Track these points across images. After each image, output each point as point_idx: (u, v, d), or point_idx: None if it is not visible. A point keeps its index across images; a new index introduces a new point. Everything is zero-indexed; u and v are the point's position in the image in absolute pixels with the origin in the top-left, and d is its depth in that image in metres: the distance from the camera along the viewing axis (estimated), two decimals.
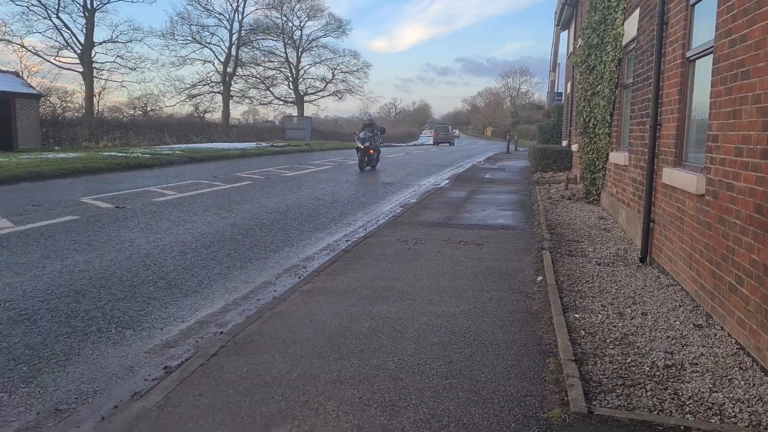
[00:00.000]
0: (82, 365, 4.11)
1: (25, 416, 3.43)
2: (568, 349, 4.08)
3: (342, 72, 66.30)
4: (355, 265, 6.64)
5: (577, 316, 4.95)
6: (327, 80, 66.54)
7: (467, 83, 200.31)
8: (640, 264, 6.81)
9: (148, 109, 51.64)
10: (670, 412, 3.31)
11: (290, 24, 62.82)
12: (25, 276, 6.12)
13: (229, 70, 58.04)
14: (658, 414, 3.28)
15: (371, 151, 20.87)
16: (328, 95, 67.65)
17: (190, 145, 31.68)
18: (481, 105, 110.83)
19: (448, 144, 57.73)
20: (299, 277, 6.36)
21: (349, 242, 8.18)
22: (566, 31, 24.88)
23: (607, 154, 10.73)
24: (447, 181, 17.36)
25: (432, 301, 5.31)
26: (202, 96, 58.42)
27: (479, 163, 27.26)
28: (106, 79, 45.58)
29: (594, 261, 6.94)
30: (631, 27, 8.77)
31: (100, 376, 3.97)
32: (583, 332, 4.56)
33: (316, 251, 7.79)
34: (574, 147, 16.14)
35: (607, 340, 4.40)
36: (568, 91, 20.54)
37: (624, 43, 9.45)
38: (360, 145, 20.67)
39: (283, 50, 63.24)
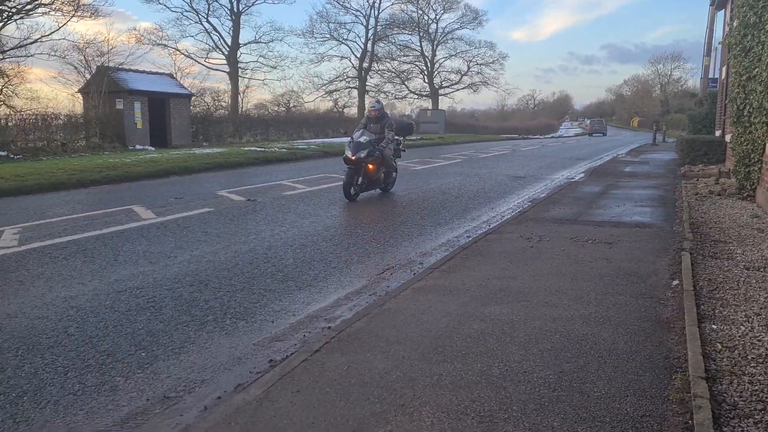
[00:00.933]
0: (194, 354, 4.24)
1: (136, 401, 3.58)
2: (699, 364, 3.62)
3: (477, 64, 65.38)
4: (471, 262, 6.41)
5: (714, 327, 4.41)
6: (462, 73, 65.95)
7: (613, 71, 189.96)
8: None
9: (291, 105, 53.97)
10: None
11: (426, 17, 62.91)
12: (158, 265, 6.50)
13: (364, 65, 59.23)
14: None
15: (370, 167, 11.48)
16: (463, 88, 67.04)
17: (325, 140, 32.67)
18: (627, 94, 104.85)
19: (601, 134, 63.41)
20: (414, 273, 6.24)
21: (470, 238, 7.94)
22: (722, 11, 22.80)
23: (764, 145, 9.63)
24: (582, 175, 16.52)
25: (549, 303, 4.98)
26: (339, 91, 60.09)
27: (620, 155, 25.74)
28: (250, 78, 48.05)
29: (742, 265, 6.22)
30: None
31: (209, 365, 4.08)
32: (719, 346, 4.05)
33: (434, 247, 7.64)
34: (728, 137, 14.72)
35: (749, 357, 3.87)
36: (723, 76, 18.80)
37: None
38: (350, 155, 11.22)
39: (419, 44, 63.49)
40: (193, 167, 17.33)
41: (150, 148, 25.86)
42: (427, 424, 3.07)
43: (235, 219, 9.29)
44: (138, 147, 25.68)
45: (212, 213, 9.79)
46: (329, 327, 4.68)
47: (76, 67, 31.13)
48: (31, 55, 25.25)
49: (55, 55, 28.97)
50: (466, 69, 65.79)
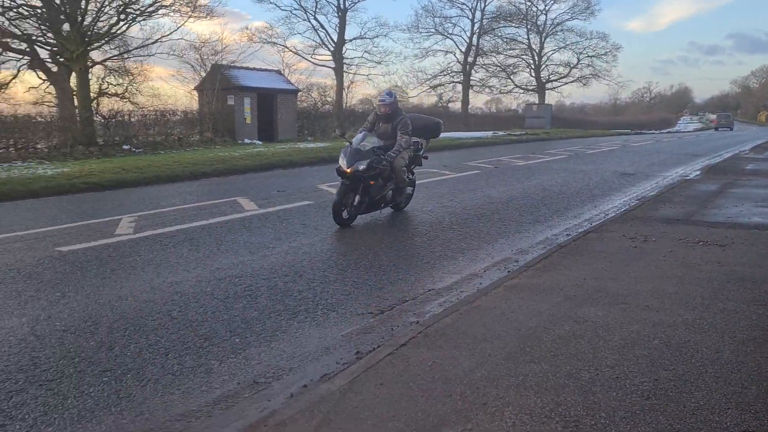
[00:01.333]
0: (285, 342, 4.36)
1: (228, 385, 3.73)
2: None
3: (588, 56, 62.92)
4: (568, 261, 6.19)
5: None
6: (571, 65, 63.74)
7: (739, 62, 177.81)
8: None
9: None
10: None
11: (534, 9, 61.30)
12: (256, 255, 6.74)
13: (469, 59, 58.62)
14: None
15: (371, 182, 8.61)
16: (572, 81, 64.75)
17: None
18: (755, 86, 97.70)
19: (728, 129, 61.88)
20: (508, 271, 6.11)
21: (569, 237, 7.68)
22: None
23: None
24: (698, 173, 15.55)
25: (649, 307, 4.72)
26: (443, 86, 59.80)
27: (743, 152, 24.04)
28: (354, 74, 48.77)
29: None
30: None
31: (298, 354, 4.18)
32: None
33: (531, 244, 7.45)
34: None
35: None
36: None
37: None
38: (344, 166, 8.43)
39: (526, 36, 61.97)
40: (296, 161, 17.86)
41: (258, 142, 26.90)
42: (509, 424, 2.99)
43: (308, 216, 9.46)
44: (246, 141, 26.77)
45: (311, 206, 10.04)
46: (417, 322, 4.67)
47: (192, 66, 32.83)
48: (152, 55, 26.87)
49: (173, 54, 30.71)
50: (575, 61, 63.52)
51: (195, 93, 30.01)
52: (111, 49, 25.23)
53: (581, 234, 7.63)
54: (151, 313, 4.91)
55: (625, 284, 5.35)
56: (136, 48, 25.24)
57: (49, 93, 24.50)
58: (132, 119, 24.15)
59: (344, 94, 46.21)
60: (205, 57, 32.15)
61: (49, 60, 23.69)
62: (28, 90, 25.15)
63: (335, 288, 5.61)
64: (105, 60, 25.40)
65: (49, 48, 23.45)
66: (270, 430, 3.05)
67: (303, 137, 31.25)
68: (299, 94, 34.52)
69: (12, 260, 6.58)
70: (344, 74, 46.58)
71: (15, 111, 22.31)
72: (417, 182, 10.36)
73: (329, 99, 44.87)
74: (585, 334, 4.17)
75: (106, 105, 25.09)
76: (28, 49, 23.35)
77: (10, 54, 23.16)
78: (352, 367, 3.82)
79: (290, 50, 46.66)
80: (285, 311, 4.99)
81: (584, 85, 65.36)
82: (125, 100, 25.85)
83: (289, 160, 17.76)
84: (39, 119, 21.57)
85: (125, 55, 25.57)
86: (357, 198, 8.43)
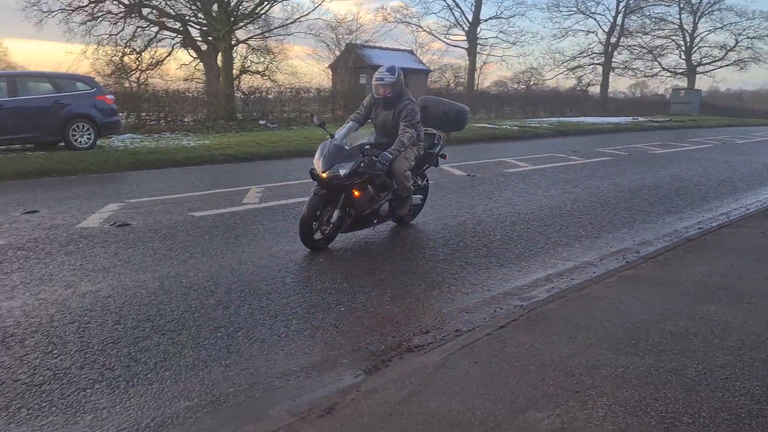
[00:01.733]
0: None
1: (327, 350, 3.90)
2: None
3: (748, 38, 57.60)
4: (693, 256, 5.81)
5: None
6: (728, 48, 58.77)
7: None
8: None
9: (531, 83, 52.93)
10: None
11: None
12: (369, 230, 6.90)
13: (612, 40, 55.73)
14: None
15: (356, 193, 6.14)
16: (728, 65, 59.69)
17: (561, 119, 31.61)
18: None
19: None
20: (626, 262, 5.84)
21: (700, 230, 7.19)
22: None
23: None
24: None
25: None
26: (582, 68, 57.35)
27: None
28: (488, 54, 47.99)
29: None
30: None
31: (402, 327, 4.27)
32: None
33: (657, 236, 7.05)
34: None
35: None
36: None
37: None
38: (319, 169, 5.97)
39: (677, 16, 57.81)
40: None
41: None
42: (600, 414, 2.91)
43: (451, 192, 9.49)
44: None
45: (431, 185, 10.05)
46: (521, 305, 4.61)
47: (327, 45, 33.90)
48: (291, 34, 28.19)
49: (310, 34, 32.02)
50: (733, 43, 58.48)
51: (329, 71, 30.96)
52: (254, 28, 26.65)
53: (714, 228, 7.12)
54: (266, 278, 5.21)
55: (754, 283, 4.95)
56: (276, 27, 26.51)
57: (198, 70, 26.33)
58: (269, 96, 25.38)
59: (476, 76, 45.67)
60: (341, 36, 33.08)
61: (199, 39, 25.43)
62: (180, 67, 27.24)
63: (443, 267, 5.65)
64: (248, 39, 26.88)
65: (199, 27, 25.15)
66: (362, 395, 3.17)
67: None
68: (430, 74, 34.56)
69: (151, 222, 7.21)
70: (477, 55, 45.96)
71: (167, 87, 24.20)
72: (536, 166, 10.08)
73: (461, 80, 44.59)
74: (699, 331, 3.92)
75: (247, 82, 26.59)
76: (181, 29, 25.19)
77: (166, 33, 25.11)
78: (449, 343, 3.86)
79: (424, 30, 46.76)
80: None
81: (741, 69, 59.97)
82: (265, 78, 27.24)
83: None
84: (187, 95, 23.21)
85: (267, 35, 26.90)
86: (336, 213, 6.08)
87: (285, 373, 3.58)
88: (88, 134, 13.87)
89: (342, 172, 5.89)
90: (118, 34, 24.90)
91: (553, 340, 3.82)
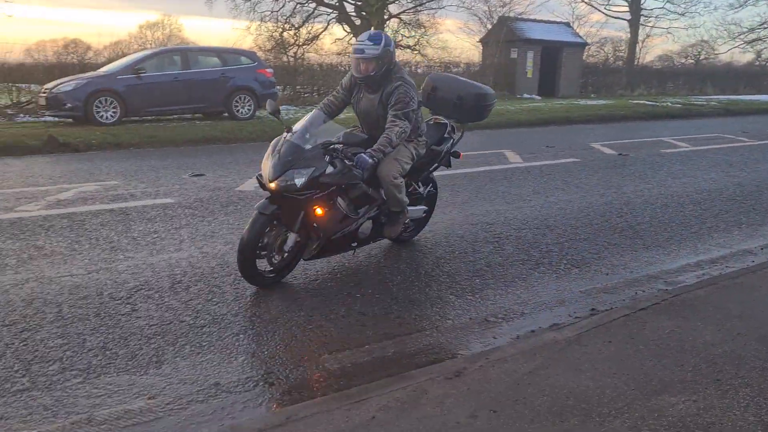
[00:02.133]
0: (521, 289, 4.48)
1: (460, 318, 4.01)
2: None
3: None
4: None
5: None
6: None
7: None
8: None
9: (701, 57, 48.78)
10: None
11: None
12: (512, 205, 6.87)
13: None
14: None
15: (319, 211, 4.33)
16: None
17: (730, 97, 28.99)
18: None
19: None
20: None
21: None
22: None
23: None
24: None
25: None
26: (761, 41, 51.90)
27: None
28: (652, 26, 44.75)
29: None
30: None
31: (532, 301, 4.28)
32: None
33: None
34: None
35: None
36: None
37: None
38: (267, 178, 4.22)
39: None
40: (573, 118, 17.33)
41: (536, 97, 26.54)
42: (741, 405, 2.77)
43: (599, 171, 9.14)
44: (525, 96, 26.60)
45: (577, 164, 9.78)
46: (666, 290, 4.42)
47: (479, 18, 33.40)
48: (443, 7, 28.04)
49: (462, 7, 31.70)
50: None
51: (479, 45, 30.56)
52: (407, 2, 26.88)
53: None
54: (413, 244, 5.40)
55: None
56: (428, 1, 26.51)
57: (351, 44, 27.08)
58: (418, 70, 25.58)
59: (637, 49, 42.90)
60: (493, 9, 32.44)
61: (354, 14, 26.13)
62: (334, 41, 28.17)
63: (584, 246, 5.52)
64: (400, 13, 27.20)
65: (354, 2, 25.83)
66: (490, 363, 3.24)
67: (586, 93, 29.99)
68: (587, 48, 33.02)
69: None
70: (640, 27, 43.07)
71: (322, 61, 25.19)
72: (698, 147, 9.40)
73: (621, 54, 42.12)
74: None
75: (398, 57, 26.94)
76: (337, 4, 26.04)
77: (322, 8, 26.08)
78: (584, 321, 3.82)
79: (583, 1, 44.49)
80: (528, 261, 5.08)
81: None
82: (415, 52, 27.46)
83: (565, 117, 17.30)
84: (340, 68, 24.00)
85: (419, 8, 27.03)
86: (291, 238, 4.37)
87: (415, 332, 3.72)
88: (249, 105, 14.83)
89: (298, 181, 4.14)
90: (279, 10, 26.25)
91: (698, 327, 3.64)
